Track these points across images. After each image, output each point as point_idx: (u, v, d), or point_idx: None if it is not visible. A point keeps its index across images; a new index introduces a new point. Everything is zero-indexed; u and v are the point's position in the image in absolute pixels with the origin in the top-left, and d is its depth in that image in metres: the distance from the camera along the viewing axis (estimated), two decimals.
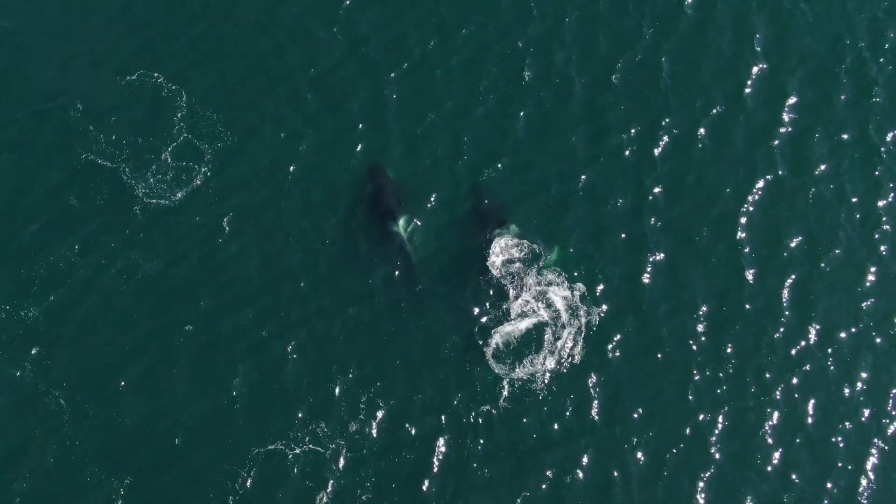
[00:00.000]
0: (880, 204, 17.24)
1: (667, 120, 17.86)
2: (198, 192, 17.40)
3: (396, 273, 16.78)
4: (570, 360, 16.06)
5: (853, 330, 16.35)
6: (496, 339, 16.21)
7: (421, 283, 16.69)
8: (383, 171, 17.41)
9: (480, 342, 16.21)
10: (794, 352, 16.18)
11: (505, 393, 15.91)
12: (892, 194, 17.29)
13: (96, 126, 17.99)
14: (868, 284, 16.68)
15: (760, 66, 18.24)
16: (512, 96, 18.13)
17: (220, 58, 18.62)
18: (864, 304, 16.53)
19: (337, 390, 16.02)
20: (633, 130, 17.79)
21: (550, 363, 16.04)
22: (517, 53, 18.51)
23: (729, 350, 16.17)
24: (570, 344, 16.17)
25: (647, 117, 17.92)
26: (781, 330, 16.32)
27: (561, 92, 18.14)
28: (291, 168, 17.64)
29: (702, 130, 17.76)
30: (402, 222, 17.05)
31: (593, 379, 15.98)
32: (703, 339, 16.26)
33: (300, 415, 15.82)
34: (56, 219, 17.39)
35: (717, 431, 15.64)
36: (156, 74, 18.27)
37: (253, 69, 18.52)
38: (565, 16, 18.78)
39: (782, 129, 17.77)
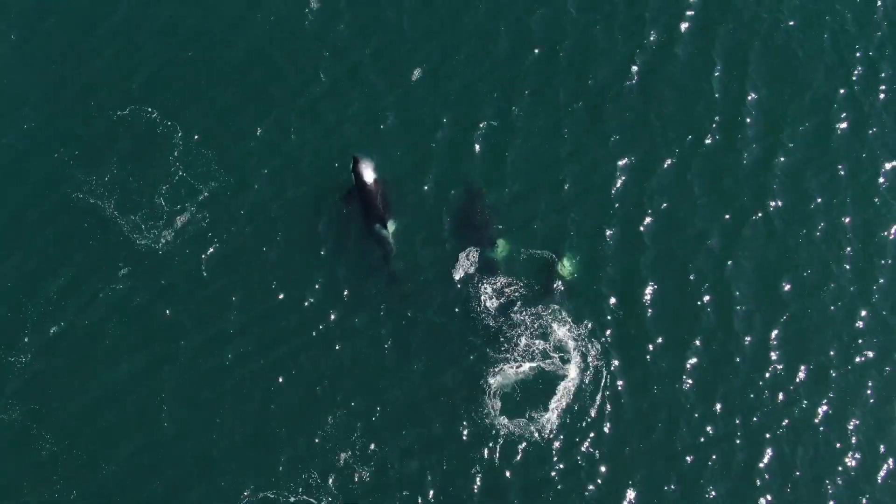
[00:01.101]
0: (874, 240, 17.16)
1: (658, 152, 17.73)
2: (187, 230, 17.27)
3: (384, 307, 16.74)
4: (569, 404, 16.06)
5: (845, 370, 16.36)
6: (495, 380, 16.20)
7: (412, 316, 16.67)
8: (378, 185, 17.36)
9: (479, 383, 16.21)
10: (786, 392, 16.25)
11: (502, 438, 15.92)
12: (885, 230, 17.23)
13: (86, 163, 17.81)
14: (860, 325, 16.64)
15: (753, 96, 18.11)
16: (500, 128, 17.90)
17: (216, 91, 18.40)
18: (855, 344, 16.51)
19: (328, 429, 16.03)
20: (623, 162, 17.63)
21: (551, 408, 16.02)
22: (508, 83, 18.29)
23: (721, 390, 16.22)
24: (570, 389, 16.17)
25: (639, 149, 17.75)
26: (771, 370, 16.34)
27: (549, 125, 17.95)
28: (282, 203, 17.53)
29: (693, 164, 17.63)
30: (391, 228, 17.02)
31: (592, 424, 16.00)
32: (693, 378, 16.27)
33: (289, 457, 15.84)
34: (43, 260, 17.29)
35: (706, 471, 15.71)
36: (149, 109, 18.17)
37: (248, 101, 18.35)
38: (556, 43, 18.58)
39: (775, 163, 17.63)
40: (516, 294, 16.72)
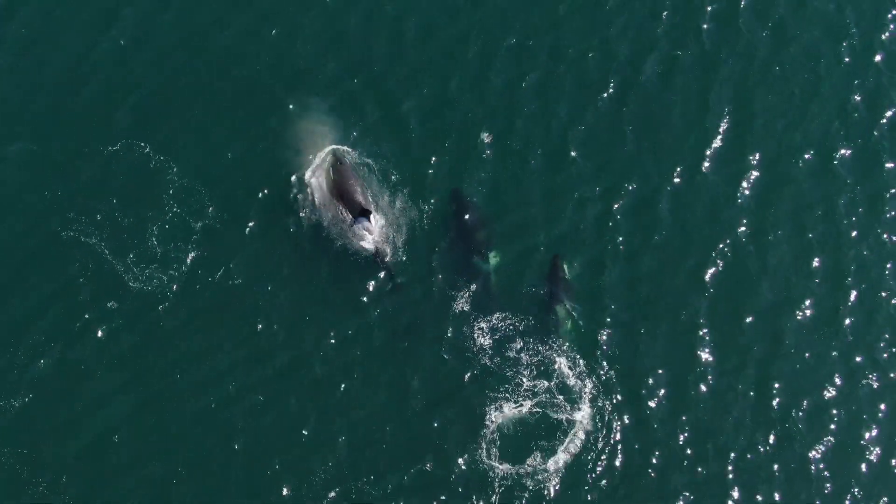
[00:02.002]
0: (875, 276, 17.09)
1: (631, 186, 17.61)
2: (181, 268, 16.97)
3: (378, 343, 16.57)
4: (575, 453, 15.84)
5: (846, 409, 16.28)
6: (493, 421, 15.96)
7: (407, 348, 16.51)
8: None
9: (476, 423, 15.98)
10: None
11: (498, 486, 15.70)
12: (855, 264, 17.11)
13: (76, 200, 17.47)
14: (859, 360, 16.53)
15: (724, 127, 18.03)
16: (472, 166, 17.76)
17: (210, 123, 18.07)
18: (855, 383, 16.41)
19: (316, 471, 15.84)
20: (596, 190, 17.57)
21: (553, 456, 15.80)
22: (475, 112, 18.17)
23: (723, 437, 16.12)
24: (575, 435, 15.93)
25: (609, 181, 17.65)
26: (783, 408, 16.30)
27: (519, 161, 17.80)
28: (278, 239, 17.27)
29: (664, 200, 17.54)
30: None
31: (598, 476, 15.81)
32: (704, 425, 16.15)
33: (277, 500, 15.68)
34: (30, 299, 16.93)
35: None
36: (142, 144, 17.84)
37: (243, 133, 18.04)
38: (524, 75, 18.42)
39: (744, 197, 17.53)
40: (515, 324, 16.55)
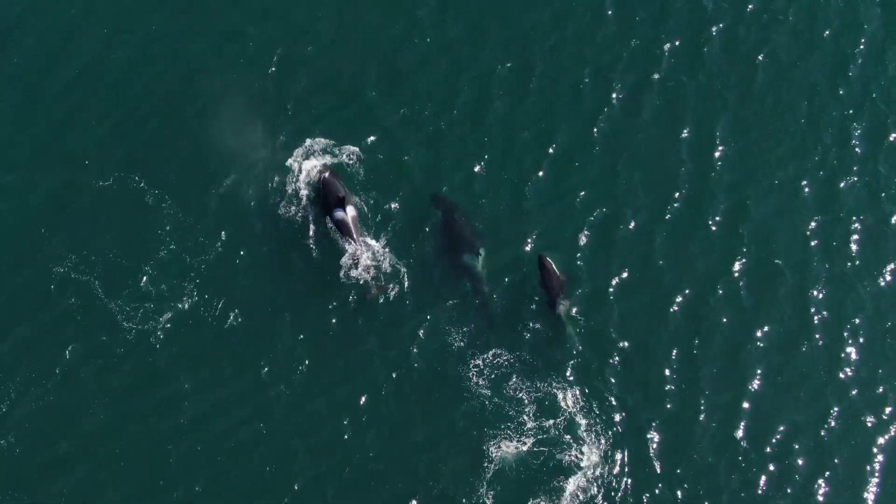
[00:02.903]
0: (845, 313, 16.87)
1: (626, 211, 17.56)
2: (177, 307, 16.76)
3: (370, 379, 16.39)
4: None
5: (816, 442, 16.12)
6: (492, 461, 15.74)
7: (395, 379, 16.32)
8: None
9: (472, 463, 15.77)
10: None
11: None
12: (852, 297, 16.98)
13: (68, 237, 17.28)
14: (829, 394, 16.38)
15: (719, 157, 17.99)
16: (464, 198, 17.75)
17: (204, 156, 17.91)
18: (826, 417, 16.26)
19: None
20: (592, 218, 17.48)
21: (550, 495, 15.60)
22: (470, 138, 18.16)
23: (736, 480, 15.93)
24: (580, 480, 15.71)
25: (607, 206, 17.58)
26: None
27: (511, 191, 17.73)
28: (276, 277, 17.13)
29: (662, 227, 17.49)
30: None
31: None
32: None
33: None
34: (17, 337, 16.69)
35: None
36: (136, 178, 17.71)
37: (237, 163, 17.96)
38: (528, 95, 18.44)
39: (739, 229, 17.42)
40: (513, 359, 16.36)
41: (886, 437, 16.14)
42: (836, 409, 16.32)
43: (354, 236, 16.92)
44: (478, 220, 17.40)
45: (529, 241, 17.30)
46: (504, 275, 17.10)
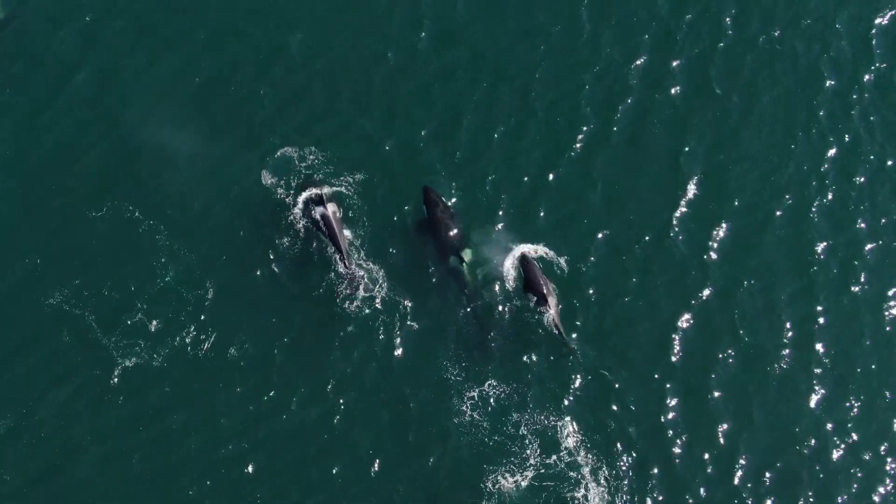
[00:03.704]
0: (817, 336, 16.78)
1: (601, 234, 17.49)
2: (173, 341, 16.61)
3: (368, 400, 16.38)
4: None
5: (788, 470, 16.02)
6: (491, 494, 15.60)
7: (390, 407, 16.29)
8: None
9: (471, 496, 15.65)
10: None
11: None
12: (826, 321, 16.86)
13: (61, 268, 17.17)
14: (802, 420, 16.26)
15: (695, 182, 17.90)
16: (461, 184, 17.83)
17: (197, 186, 17.87)
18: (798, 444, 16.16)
19: None
20: (589, 244, 17.45)
21: None
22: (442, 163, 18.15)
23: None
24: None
25: (580, 230, 17.57)
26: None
27: (488, 213, 17.66)
28: (271, 307, 17.01)
29: (660, 254, 17.39)
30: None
31: None
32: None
33: None
34: (10, 371, 16.58)
35: None
36: (130, 207, 17.60)
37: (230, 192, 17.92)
38: (496, 123, 18.39)
39: (714, 254, 17.34)
40: (511, 392, 16.25)
41: (889, 468, 16.05)
42: (839, 443, 16.19)
43: (339, 240, 16.86)
44: (464, 221, 17.39)
45: (518, 249, 17.21)
46: (496, 286, 17.06)
